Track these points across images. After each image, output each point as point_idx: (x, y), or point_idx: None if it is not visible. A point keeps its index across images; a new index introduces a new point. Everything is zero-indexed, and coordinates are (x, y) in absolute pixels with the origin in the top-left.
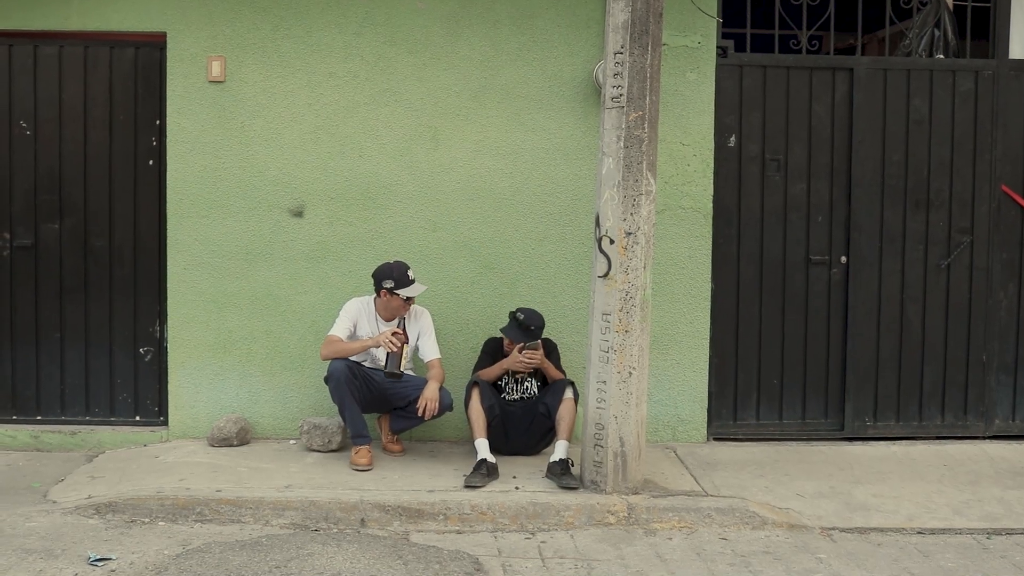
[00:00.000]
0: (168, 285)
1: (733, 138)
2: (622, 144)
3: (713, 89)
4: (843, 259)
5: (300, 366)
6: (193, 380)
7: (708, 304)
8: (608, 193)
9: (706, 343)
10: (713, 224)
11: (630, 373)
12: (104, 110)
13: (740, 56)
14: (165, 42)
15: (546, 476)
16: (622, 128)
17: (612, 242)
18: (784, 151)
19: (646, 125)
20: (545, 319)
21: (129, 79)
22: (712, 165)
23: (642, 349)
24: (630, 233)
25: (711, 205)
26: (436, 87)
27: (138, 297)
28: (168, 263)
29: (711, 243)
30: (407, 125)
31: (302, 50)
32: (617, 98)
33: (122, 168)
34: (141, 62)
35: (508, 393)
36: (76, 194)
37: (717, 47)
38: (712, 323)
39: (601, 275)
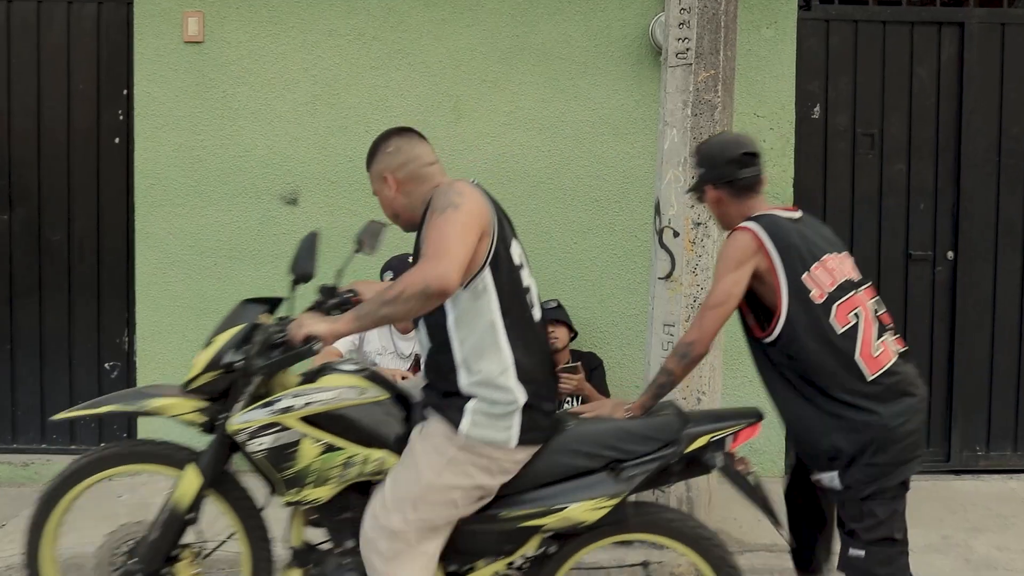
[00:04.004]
0: (136, 288)
1: (818, 108)
2: (689, 111)
3: (794, 48)
4: (950, 255)
5: None
6: None
7: None
8: (672, 173)
9: None
10: None
11: (698, 399)
12: (61, 78)
13: (827, 8)
14: None
15: None
16: (689, 91)
17: (676, 235)
18: (879, 124)
19: (719, 87)
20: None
21: (91, 40)
22: (792, 141)
23: (714, 369)
24: (699, 223)
25: (791, 189)
26: (458, 47)
27: (103, 302)
28: (136, 261)
29: None
30: (423, 93)
31: (296, 3)
32: (683, 53)
33: (83, 147)
34: (105, 20)
35: None
36: (28, 178)
37: None
38: None
39: (662, 276)
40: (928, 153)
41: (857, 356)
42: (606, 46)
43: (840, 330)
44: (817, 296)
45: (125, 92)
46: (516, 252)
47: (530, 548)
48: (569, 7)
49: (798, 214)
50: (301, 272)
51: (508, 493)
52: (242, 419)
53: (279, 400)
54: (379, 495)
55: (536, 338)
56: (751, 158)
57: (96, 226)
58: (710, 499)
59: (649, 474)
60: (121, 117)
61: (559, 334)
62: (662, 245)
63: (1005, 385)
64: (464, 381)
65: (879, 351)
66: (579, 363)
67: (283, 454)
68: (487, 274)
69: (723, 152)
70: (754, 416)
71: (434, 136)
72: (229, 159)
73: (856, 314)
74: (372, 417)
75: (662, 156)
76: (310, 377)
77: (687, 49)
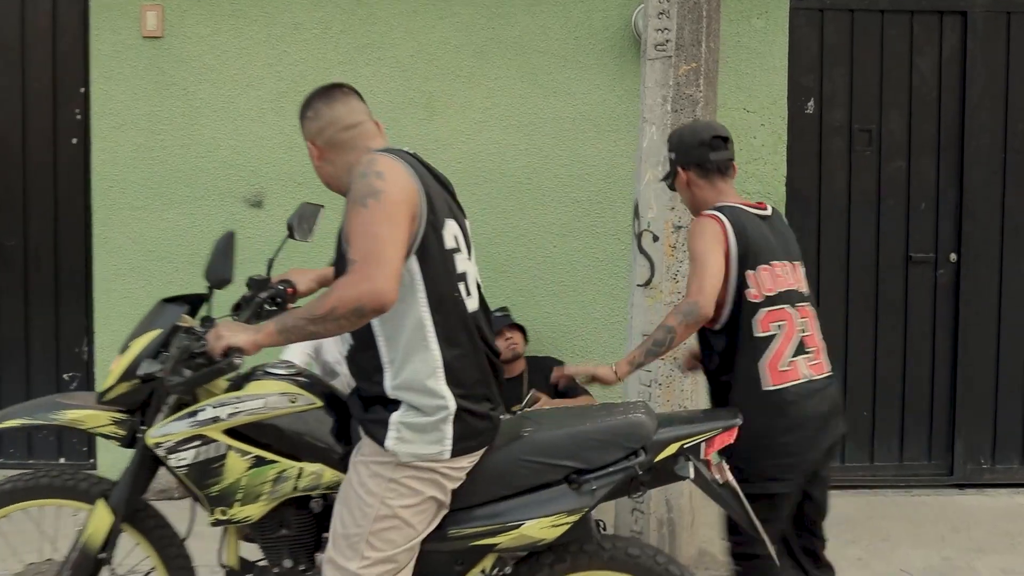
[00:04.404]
0: (95, 295)
1: (812, 103)
2: (669, 107)
3: (786, 39)
4: (953, 257)
5: None
6: None
7: None
8: (651, 173)
9: None
10: (787, 212)
11: None
12: (15, 76)
13: None
14: None
15: None
16: (669, 85)
17: (656, 239)
18: (877, 120)
19: (701, 81)
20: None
21: (46, 35)
22: (785, 138)
23: (697, 383)
24: (680, 227)
25: (784, 189)
26: (431, 41)
27: (61, 310)
28: (95, 268)
29: None
30: (393, 90)
31: None
32: (662, 45)
33: (39, 148)
34: (62, 14)
35: None
36: None
37: None
38: None
39: (641, 283)
40: (929, 150)
41: (762, 362)
42: (587, 38)
43: (758, 334)
44: (752, 295)
45: (83, 90)
46: (450, 233)
47: (484, 569)
48: None
49: (767, 211)
50: (216, 277)
51: (459, 508)
52: (160, 432)
53: (202, 410)
54: (331, 540)
55: (470, 333)
56: (721, 142)
57: (54, 231)
58: (693, 520)
59: (614, 486)
60: (79, 116)
61: (517, 339)
62: (641, 250)
63: (1011, 394)
64: (389, 383)
65: (787, 367)
66: (535, 392)
67: (207, 470)
68: (413, 264)
69: (694, 135)
70: (732, 418)
71: (406, 135)
72: (191, 160)
73: (780, 326)
74: (305, 427)
75: (641, 155)
76: (238, 383)
77: (667, 41)
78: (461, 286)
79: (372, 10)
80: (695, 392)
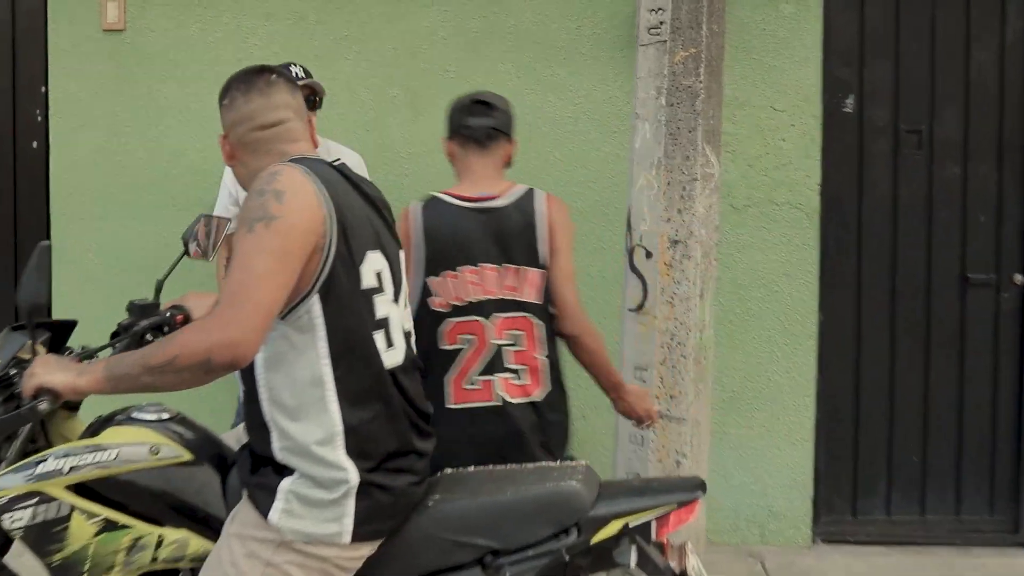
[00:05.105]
0: (54, 310)
1: (851, 100)
2: (663, 100)
3: (820, 26)
4: (1018, 278)
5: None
6: None
7: (815, 345)
8: (644, 178)
9: (811, 402)
10: (822, 227)
11: (677, 463)
12: None
13: None
14: None
15: None
16: (664, 75)
17: (649, 255)
18: (928, 118)
19: (702, 70)
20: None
21: (6, 29)
22: (820, 140)
23: (698, 424)
24: (677, 241)
25: (818, 199)
26: (416, 31)
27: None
28: (53, 281)
29: (819, 255)
30: (374, 86)
31: None
32: (656, 28)
33: None
34: (22, 6)
35: None
36: None
37: None
38: (820, 373)
39: (633, 307)
40: (989, 154)
41: (447, 377)
42: (590, 28)
43: (444, 347)
44: (437, 303)
45: (44, 89)
46: (370, 269)
47: None
48: None
49: (494, 202)
50: (29, 301)
51: None
52: None
53: (44, 461)
54: None
55: (386, 394)
56: (483, 107)
57: (13, 241)
58: None
59: (539, 571)
60: (40, 118)
61: None
62: (633, 269)
63: None
64: (277, 445)
65: (474, 386)
66: None
67: (47, 534)
68: (314, 305)
69: (458, 100)
70: (693, 490)
71: (387, 137)
72: (155, 163)
73: (468, 340)
74: (168, 485)
75: (633, 157)
76: (97, 428)
77: (661, 23)
78: (379, 335)
79: None
80: (696, 437)
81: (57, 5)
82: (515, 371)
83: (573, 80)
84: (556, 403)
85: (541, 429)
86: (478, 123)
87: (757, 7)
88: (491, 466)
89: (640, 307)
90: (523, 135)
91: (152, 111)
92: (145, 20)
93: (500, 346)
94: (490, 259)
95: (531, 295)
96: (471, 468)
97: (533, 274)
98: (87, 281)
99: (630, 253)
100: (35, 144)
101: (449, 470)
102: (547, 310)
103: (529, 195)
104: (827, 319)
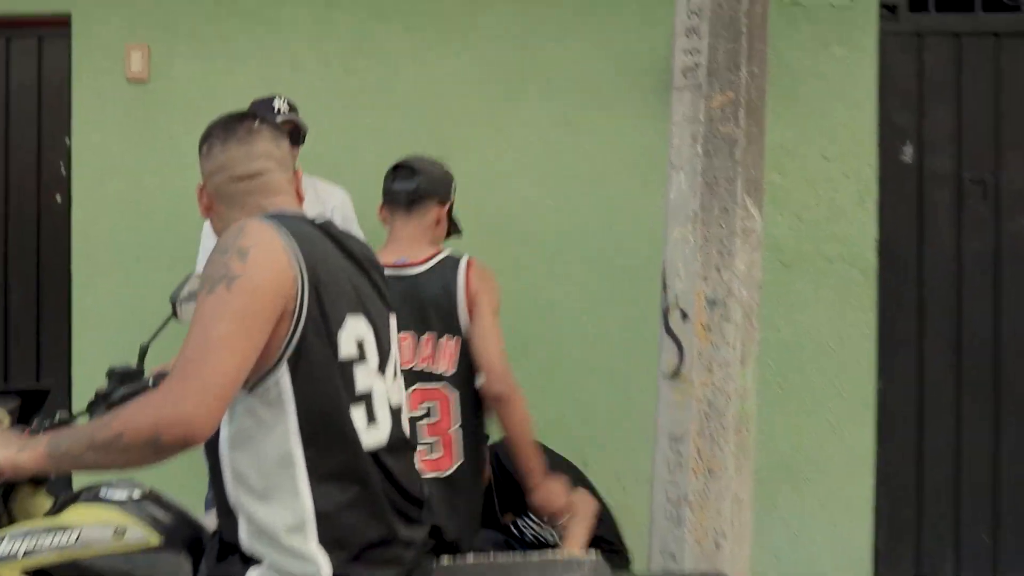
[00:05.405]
0: (73, 373)
1: (909, 148)
2: (699, 148)
3: (875, 71)
4: None
5: None
6: None
7: (873, 413)
8: (678, 232)
9: (870, 472)
10: (880, 285)
11: (717, 544)
12: None
13: (919, 17)
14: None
15: None
16: (700, 121)
17: (685, 316)
18: (993, 167)
19: (741, 116)
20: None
21: (31, 81)
22: (875, 190)
23: (740, 501)
24: (715, 301)
25: (875, 255)
26: (446, 75)
27: (42, 380)
28: (73, 342)
29: (876, 315)
30: (402, 132)
31: (254, 30)
32: (691, 71)
33: (20, 208)
34: (47, 57)
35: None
36: None
37: (881, 4)
38: (880, 442)
39: (668, 373)
40: None
41: None
42: (629, 72)
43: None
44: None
45: (68, 141)
46: (350, 337)
47: None
48: (582, 26)
49: (420, 267)
50: None
51: None
52: None
53: (1, 541)
54: None
55: (365, 476)
56: (406, 171)
57: (36, 301)
58: None
59: None
60: (63, 171)
61: None
62: (668, 331)
63: None
64: (244, 531)
65: None
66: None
67: None
68: (283, 375)
69: (390, 167)
70: None
71: None
72: (180, 214)
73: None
74: (134, 571)
75: (668, 210)
76: (61, 505)
77: (696, 65)
78: (357, 411)
79: (379, 45)
80: (737, 515)
81: (81, 55)
82: (429, 444)
83: (610, 124)
84: (468, 474)
85: (451, 503)
86: (401, 187)
87: (805, 49)
88: (491, 557)
89: (676, 373)
90: (556, 185)
91: (176, 160)
92: (170, 70)
93: (414, 419)
94: (407, 327)
95: (446, 366)
96: (469, 559)
97: (450, 343)
98: (109, 335)
99: (665, 314)
100: (59, 198)
101: (446, 561)
102: (465, 379)
103: (450, 261)
104: (886, 384)
